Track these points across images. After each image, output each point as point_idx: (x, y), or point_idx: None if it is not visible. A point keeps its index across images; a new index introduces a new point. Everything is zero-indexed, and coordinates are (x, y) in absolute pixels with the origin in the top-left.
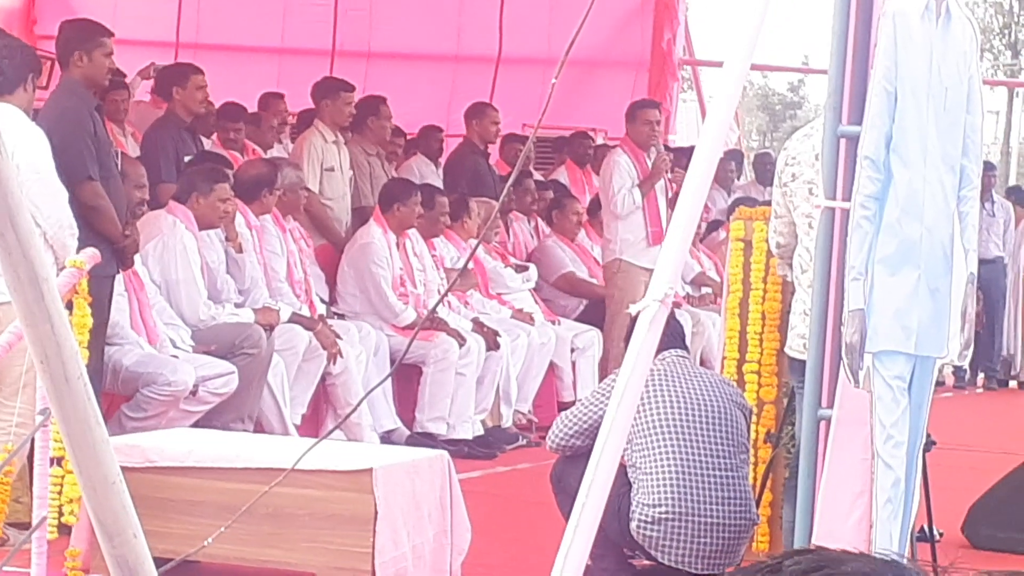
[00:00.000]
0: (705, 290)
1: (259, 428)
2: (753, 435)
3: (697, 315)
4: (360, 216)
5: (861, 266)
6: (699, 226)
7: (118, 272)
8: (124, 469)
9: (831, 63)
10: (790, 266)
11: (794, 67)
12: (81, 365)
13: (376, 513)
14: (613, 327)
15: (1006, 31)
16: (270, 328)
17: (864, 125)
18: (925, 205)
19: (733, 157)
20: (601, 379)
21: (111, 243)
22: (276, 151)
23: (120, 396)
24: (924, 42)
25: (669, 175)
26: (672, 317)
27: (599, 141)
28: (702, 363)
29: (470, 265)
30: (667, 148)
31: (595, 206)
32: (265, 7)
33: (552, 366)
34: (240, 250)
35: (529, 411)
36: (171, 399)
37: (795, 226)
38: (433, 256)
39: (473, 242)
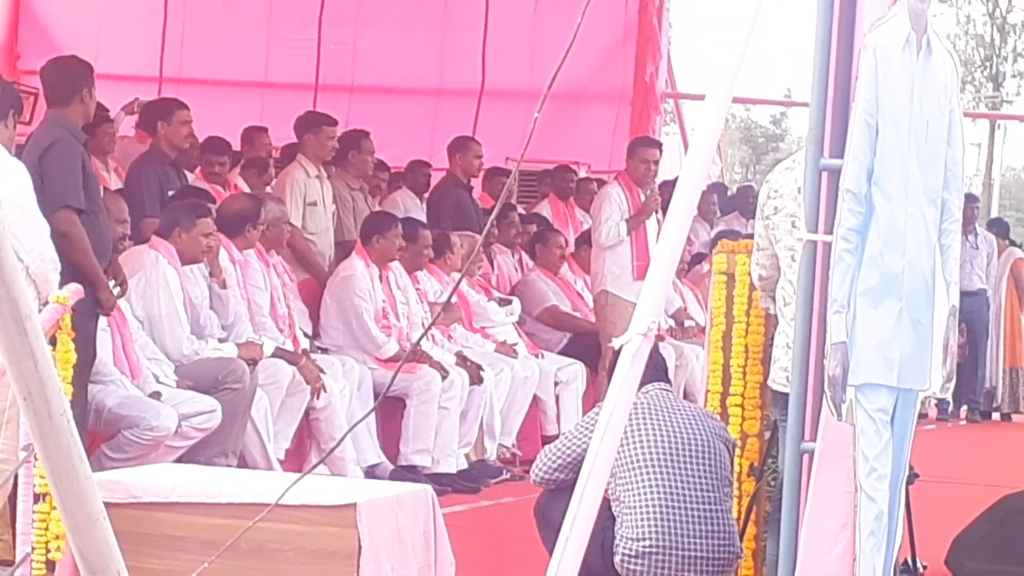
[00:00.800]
0: (689, 323)
1: (243, 463)
2: (737, 468)
3: (680, 348)
4: (343, 250)
5: (843, 299)
6: (683, 260)
7: None
8: (107, 505)
9: (812, 96)
10: (773, 299)
11: (776, 100)
12: (64, 402)
13: (360, 548)
14: (606, 359)
15: (988, 63)
16: (253, 363)
17: (845, 158)
18: (907, 238)
19: (716, 190)
20: (585, 412)
21: (86, 278)
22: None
23: (101, 435)
24: (905, 75)
25: (658, 214)
26: (655, 350)
27: (582, 174)
28: (686, 396)
29: (453, 299)
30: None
31: (579, 240)
32: (248, 41)
33: (536, 400)
34: (224, 286)
35: (513, 445)
36: (152, 443)
37: (777, 259)
38: (417, 290)
39: (456, 276)
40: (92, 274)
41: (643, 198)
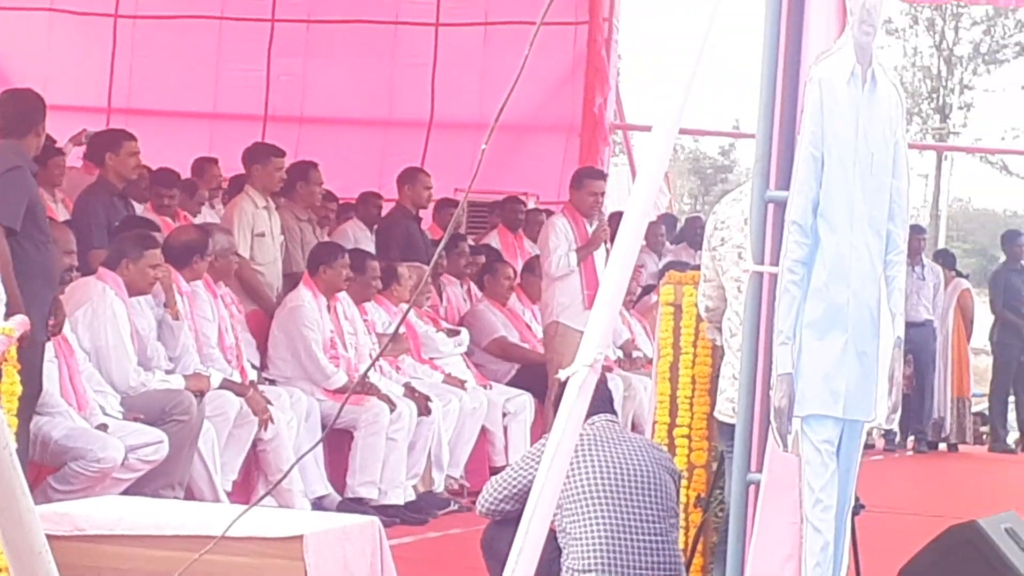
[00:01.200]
0: (637, 354)
1: (190, 495)
2: (684, 499)
3: (629, 379)
4: (291, 281)
5: (789, 330)
6: (633, 291)
7: (48, 339)
8: (52, 537)
9: (758, 129)
10: (719, 330)
11: (724, 131)
12: (9, 435)
13: None
14: (554, 391)
15: (934, 95)
16: (200, 394)
17: (791, 190)
18: (852, 269)
19: (665, 221)
20: (533, 443)
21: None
22: (208, 216)
23: (47, 467)
24: (850, 107)
25: (608, 245)
26: (602, 382)
27: (531, 205)
28: (634, 427)
29: (401, 330)
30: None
31: (524, 268)
32: (197, 72)
33: (484, 431)
34: (177, 317)
35: (461, 476)
36: (99, 475)
37: (724, 290)
38: (365, 321)
39: (405, 307)
40: (10, 299)
41: (589, 228)
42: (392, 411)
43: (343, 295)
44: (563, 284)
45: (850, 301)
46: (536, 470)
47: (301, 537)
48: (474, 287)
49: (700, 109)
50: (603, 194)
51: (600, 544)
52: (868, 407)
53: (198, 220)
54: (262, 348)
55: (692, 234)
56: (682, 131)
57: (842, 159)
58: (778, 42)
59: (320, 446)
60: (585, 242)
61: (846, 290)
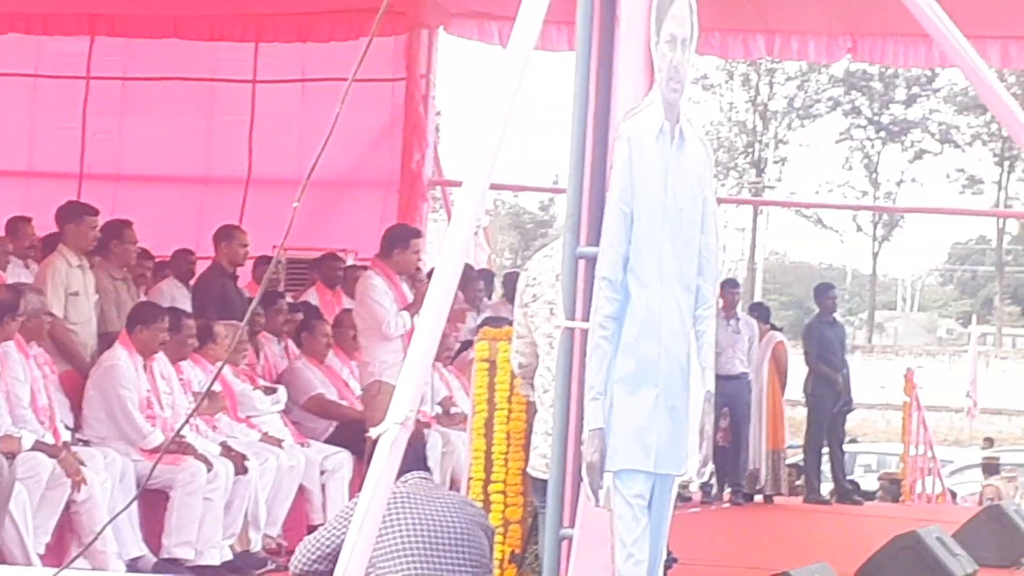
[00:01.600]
0: (455, 410)
1: (1, 558)
2: (499, 555)
3: (448, 435)
4: (106, 341)
5: (600, 385)
6: (451, 347)
7: None
8: None
9: (569, 185)
10: (532, 386)
11: (542, 187)
12: None
13: None
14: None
15: (750, 150)
16: (11, 456)
17: (602, 246)
18: (662, 325)
19: (483, 276)
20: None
21: None
22: (21, 276)
23: None
24: (659, 164)
25: None
26: (415, 439)
27: (349, 262)
28: (452, 483)
29: (217, 387)
30: (417, 269)
31: (334, 324)
32: (11, 130)
33: (302, 489)
34: None
35: (279, 535)
36: None
37: (536, 346)
38: (181, 380)
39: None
40: None
41: (402, 285)
42: (209, 470)
43: (159, 354)
44: (385, 343)
45: (661, 356)
46: (348, 529)
47: None
48: (292, 344)
49: (520, 164)
50: (422, 251)
51: None
52: (679, 461)
53: (8, 277)
54: (76, 408)
55: (512, 289)
56: (501, 186)
57: (651, 215)
58: (587, 99)
59: (135, 506)
60: (405, 301)
61: (657, 345)
